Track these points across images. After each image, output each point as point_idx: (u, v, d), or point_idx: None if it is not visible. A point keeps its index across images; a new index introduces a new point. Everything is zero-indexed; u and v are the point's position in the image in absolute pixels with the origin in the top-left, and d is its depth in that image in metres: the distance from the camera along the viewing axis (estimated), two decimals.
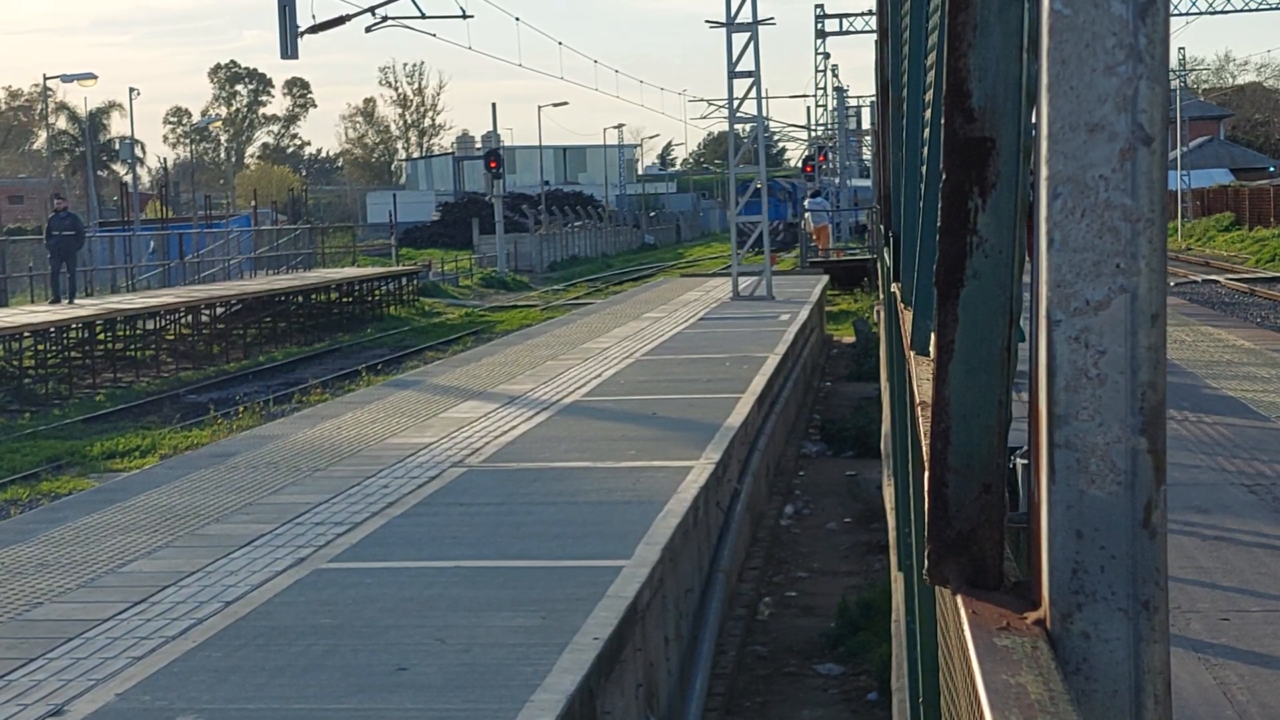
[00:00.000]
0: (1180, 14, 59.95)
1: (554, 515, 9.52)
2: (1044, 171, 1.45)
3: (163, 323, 32.67)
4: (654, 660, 8.15)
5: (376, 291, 44.67)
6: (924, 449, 2.23)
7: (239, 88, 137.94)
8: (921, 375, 3.49)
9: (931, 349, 1.76)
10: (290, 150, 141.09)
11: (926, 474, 1.70)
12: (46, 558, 8.82)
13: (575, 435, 12.82)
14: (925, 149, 4.28)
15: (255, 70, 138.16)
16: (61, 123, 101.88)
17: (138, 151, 77.77)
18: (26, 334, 27.29)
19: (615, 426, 13.25)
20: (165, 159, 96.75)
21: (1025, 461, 1.76)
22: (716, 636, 9.81)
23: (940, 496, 1.65)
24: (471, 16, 40.26)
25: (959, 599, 1.61)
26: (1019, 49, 1.70)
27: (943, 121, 1.70)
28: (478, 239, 68.65)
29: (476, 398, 15.63)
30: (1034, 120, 1.55)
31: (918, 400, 3.13)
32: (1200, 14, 61.77)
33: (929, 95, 4.22)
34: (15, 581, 8.24)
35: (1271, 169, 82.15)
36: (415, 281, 48.64)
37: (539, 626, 6.96)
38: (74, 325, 28.75)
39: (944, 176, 1.66)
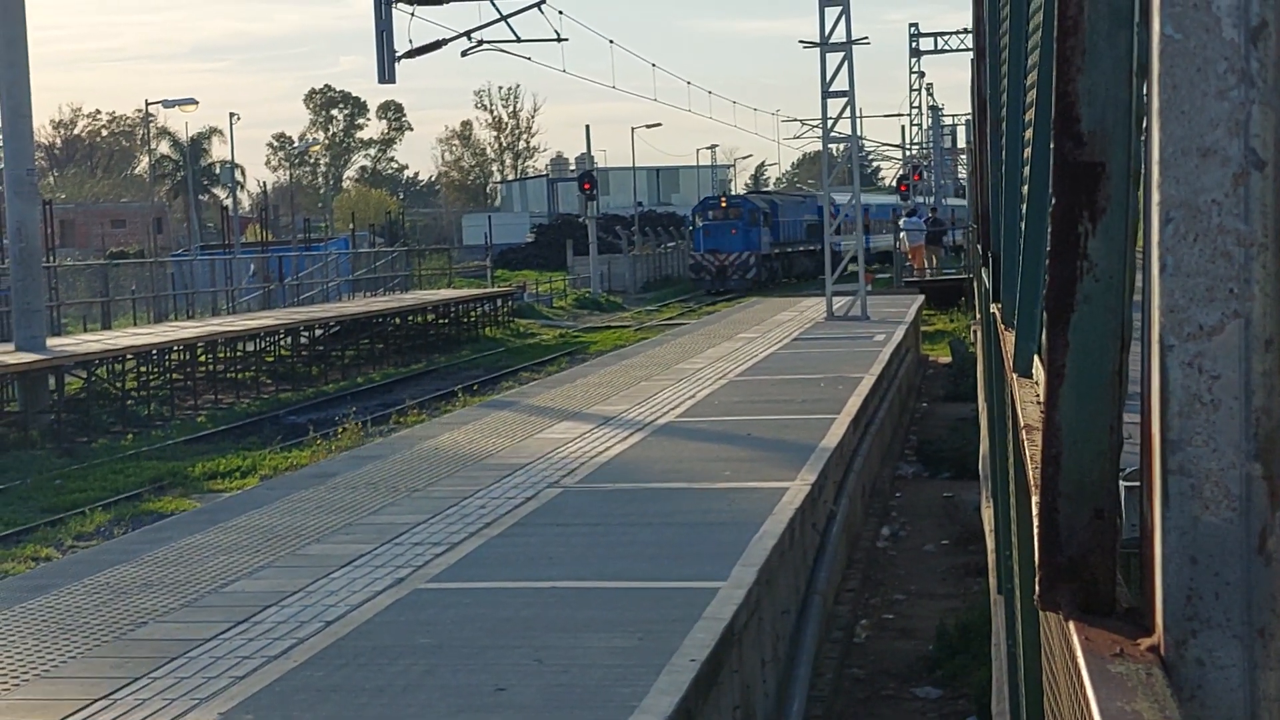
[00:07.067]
0: None
1: (650, 536, 9.54)
2: (1155, 196, 1.45)
3: (263, 344, 33.11)
4: (750, 682, 8.13)
5: (472, 313, 44.99)
6: (1031, 473, 2.22)
7: (334, 112, 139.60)
8: (1025, 398, 3.46)
9: (1041, 373, 1.75)
10: (387, 173, 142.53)
11: (1037, 499, 1.69)
12: (150, 577, 8.97)
13: (670, 456, 12.83)
14: (1027, 169, 4.25)
15: (349, 94, 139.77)
16: (163, 148, 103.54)
17: (237, 175, 78.86)
18: (129, 356, 27.75)
19: (710, 447, 13.25)
20: (265, 183, 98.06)
21: (1130, 485, 1.75)
22: (813, 659, 9.77)
23: (1052, 522, 1.65)
24: (566, 40, 40.48)
25: (1071, 625, 1.61)
26: (1128, 73, 1.69)
27: (1051, 145, 1.69)
28: (572, 260, 68.94)
29: (571, 418, 15.69)
30: (1143, 144, 1.55)
31: (1022, 423, 3.11)
32: None
33: (1030, 115, 4.20)
34: (120, 601, 8.38)
35: None
36: (510, 303, 48.92)
37: (636, 648, 6.98)
38: (176, 347, 29.21)
39: (1053, 201, 1.66)
